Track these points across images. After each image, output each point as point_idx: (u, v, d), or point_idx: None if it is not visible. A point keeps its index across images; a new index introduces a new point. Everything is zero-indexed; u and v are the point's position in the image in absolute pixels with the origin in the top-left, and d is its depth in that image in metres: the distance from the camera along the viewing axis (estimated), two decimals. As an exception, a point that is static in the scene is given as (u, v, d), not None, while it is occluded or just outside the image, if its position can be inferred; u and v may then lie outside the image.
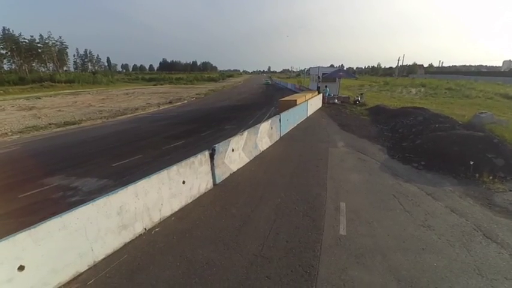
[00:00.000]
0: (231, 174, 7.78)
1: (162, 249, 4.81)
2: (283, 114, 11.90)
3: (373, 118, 16.57)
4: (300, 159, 9.45)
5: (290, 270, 4.27)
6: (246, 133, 8.39)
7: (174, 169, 5.55)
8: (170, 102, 30.29)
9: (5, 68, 78.94)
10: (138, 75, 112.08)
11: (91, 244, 4.18)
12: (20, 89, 53.22)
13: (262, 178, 7.79)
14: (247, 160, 8.65)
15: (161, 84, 69.47)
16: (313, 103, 18.98)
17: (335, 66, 51.34)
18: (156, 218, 5.34)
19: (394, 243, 4.84)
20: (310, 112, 17.78)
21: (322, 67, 28.27)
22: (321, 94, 23.12)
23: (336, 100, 23.78)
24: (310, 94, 22.35)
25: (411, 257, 4.48)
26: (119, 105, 29.81)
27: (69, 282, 4.07)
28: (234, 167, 7.87)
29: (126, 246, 4.84)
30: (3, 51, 77.27)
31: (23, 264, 3.48)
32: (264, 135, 9.82)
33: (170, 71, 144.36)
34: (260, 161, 9.23)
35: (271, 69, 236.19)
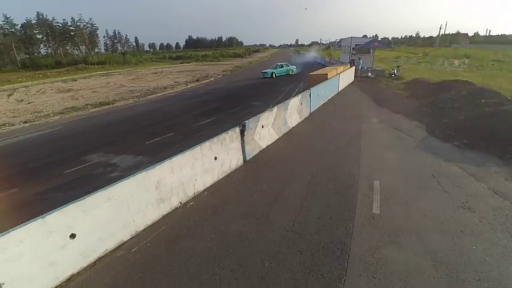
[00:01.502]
0: (260, 151, 7.87)
1: (197, 222, 5.10)
2: (314, 89, 11.58)
3: (410, 92, 15.59)
4: (331, 135, 9.28)
5: (322, 246, 4.35)
6: (275, 109, 8.34)
7: (206, 145, 5.74)
8: (197, 80, 30.65)
9: (42, 53, 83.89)
10: (165, 54, 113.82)
11: (133, 216, 4.55)
12: (57, 72, 56.66)
13: (292, 155, 7.80)
14: (276, 137, 8.67)
15: (188, 62, 70.12)
16: (345, 77, 18.20)
17: (368, 37, 47.46)
18: (190, 192, 5.64)
19: (430, 224, 4.70)
20: (341, 86, 17.12)
21: (355, 37, 26.65)
22: (354, 67, 22.03)
23: (370, 73, 22.56)
24: (342, 67, 21.39)
25: (449, 239, 4.33)
26: (148, 84, 30.78)
27: (114, 250, 4.50)
28: (264, 143, 7.94)
29: (163, 218, 5.20)
30: (39, 36, 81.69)
31: (74, 233, 3.89)
32: (293, 111, 9.70)
33: (196, 48, 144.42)
34: (290, 137, 9.21)
35: (299, 42, 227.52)
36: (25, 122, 17.97)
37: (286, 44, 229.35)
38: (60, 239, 3.75)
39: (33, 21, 79.80)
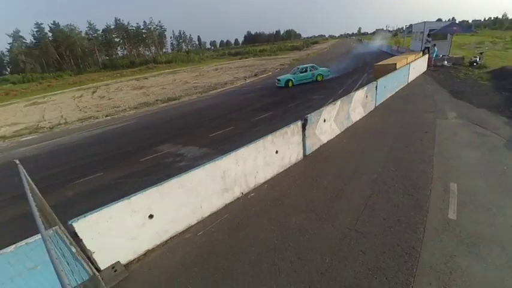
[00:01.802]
0: (321, 146, 7.76)
1: (258, 213, 5.31)
2: (380, 81, 10.85)
3: (496, 83, 13.45)
4: (400, 131, 8.62)
5: (387, 249, 4.14)
6: (339, 102, 8.09)
7: (268, 139, 5.92)
8: (255, 75, 31.28)
9: (119, 54, 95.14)
10: (225, 50, 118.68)
11: (200, 202, 4.98)
12: (131, 71, 63.72)
13: (355, 151, 7.51)
14: (338, 131, 8.42)
15: (246, 58, 71.89)
16: (417, 66, 16.57)
17: (443, 21, 41.54)
18: (252, 184, 5.89)
19: (519, 236, 4.09)
20: (412, 77, 15.65)
21: (428, 22, 23.91)
22: (426, 55, 19.87)
23: (446, 62, 20.08)
24: (413, 56, 19.53)
25: (543, 255, 3.72)
26: (210, 80, 32.55)
27: (183, 232, 4.98)
28: (325, 138, 7.80)
29: (226, 206, 5.54)
30: (117, 39, 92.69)
31: (152, 214, 4.42)
32: (357, 105, 9.28)
33: (254, 43, 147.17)
34: (352, 132, 8.85)
35: (362, 31, 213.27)
36: (107, 116, 20.73)
37: (348, 34, 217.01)
38: (141, 218, 4.31)
39: (112, 27, 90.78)
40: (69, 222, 3.55)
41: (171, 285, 4.01)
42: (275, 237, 4.63)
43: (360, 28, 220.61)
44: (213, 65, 61.76)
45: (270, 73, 32.27)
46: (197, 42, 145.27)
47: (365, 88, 9.62)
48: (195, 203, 4.91)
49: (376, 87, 10.49)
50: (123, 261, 4.33)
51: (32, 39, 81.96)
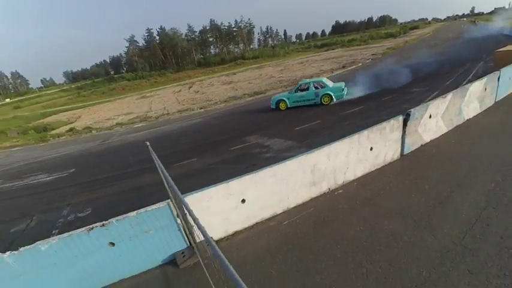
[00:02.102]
0: (422, 145, 6.91)
1: (345, 211, 5.13)
2: (505, 70, 8.92)
3: None
4: (529, 134, 7.00)
5: (503, 273, 3.46)
6: (450, 96, 7.00)
7: (364, 134, 5.63)
8: (343, 67, 29.86)
9: (212, 53, 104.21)
10: (310, 42, 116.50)
11: (288, 193, 5.13)
12: (222, 68, 69.02)
13: (466, 154, 6.44)
14: (445, 130, 7.33)
15: (332, 49, 68.99)
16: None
17: None
18: (340, 180, 5.72)
19: None
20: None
21: None
22: None
23: None
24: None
25: None
26: (294, 74, 32.60)
27: (269, 219, 5.21)
28: (428, 136, 6.92)
29: (312, 200, 5.54)
30: (211, 39, 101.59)
31: (244, 198, 4.77)
32: (472, 99, 7.85)
33: (342, 33, 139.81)
34: (463, 131, 7.57)
35: (476, 11, 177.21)
36: (201, 108, 23.03)
37: (456, 15, 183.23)
38: (235, 201, 4.71)
39: (207, 27, 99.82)
40: (184, 195, 4.16)
41: (255, 267, 4.23)
42: (363, 238, 4.41)
43: (473, 8, 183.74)
44: (298, 58, 61.53)
45: (360, 64, 30.27)
46: (283, 37, 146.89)
47: (484, 79, 8.04)
48: (283, 193, 5.08)
49: (499, 78, 8.67)
50: (215, 237, 4.83)
51: (144, 43, 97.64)
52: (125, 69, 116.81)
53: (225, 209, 4.68)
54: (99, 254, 3.88)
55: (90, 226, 3.58)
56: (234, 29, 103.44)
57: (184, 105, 27.29)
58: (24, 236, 7.15)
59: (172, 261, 4.65)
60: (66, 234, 3.53)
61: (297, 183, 5.09)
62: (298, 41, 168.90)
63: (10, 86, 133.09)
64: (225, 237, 4.93)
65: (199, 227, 1.87)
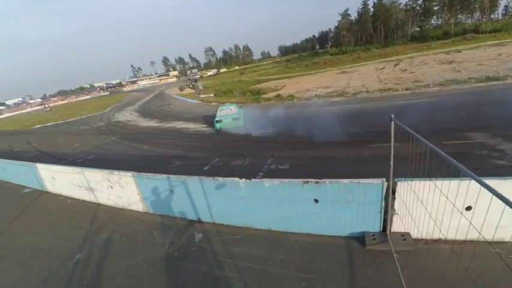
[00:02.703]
0: None
1: None
2: None
3: None
4: None
5: None
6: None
7: None
8: None
9: (433, 25, 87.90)
10: None
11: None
12: (442, 44, 57.49)
13: None
14: None
15: None
16: None
17: None
18: None
19: None
20: None
21: None
22: None
23: None
24: None
25: None
26: None
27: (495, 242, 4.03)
28: None
29: None
30: (436, 8, 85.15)
31: (470, 205, 3.88)
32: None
33: None
34: None
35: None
36: (406, 89, 20.57)
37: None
38: (459, 205, 3.89)
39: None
40: (396, 180, 3.93)
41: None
42: None
43: None
44: None
45: None
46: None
47: None
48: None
49: None
50: (413, 235, 4.32)
51: (356, 16, 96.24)
52: (330, 44, 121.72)
53: (439, 209, 4.01)
54: (303, 205, 4.43)
55: (306, 180, 4.09)
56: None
57: (386, 84, 25.33)
58: (238, 170, 9.39)
59: (359, 239, 4.66)
60: (285, 180, 4.24)
61: None
62: None
63: (240, 56, 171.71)
64: (423, 240, 4.36)
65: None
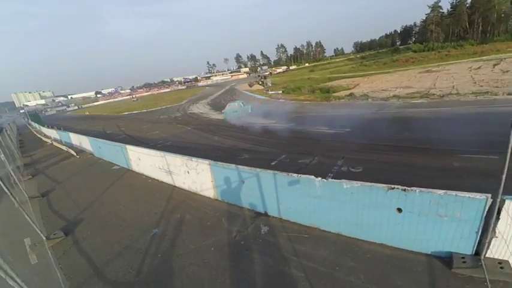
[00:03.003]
0: None
1: None
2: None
3: None
4: None
5: None
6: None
7: None
8: None
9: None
10: None
11: None
12: None
13: None
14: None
15: None
16: None
17: None
18: None
19: None
20: None
21: None
22: None
23: None
24: None
25: None
26: None
27: None
28: None
29: None
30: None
31: None
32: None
33: None
34: None
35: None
36: (508, 94, 17.53)
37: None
38: None
39: None
40: (505, 197, 3.37)
41: None
42: None
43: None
44: None
45: None
46: None
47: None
48: None
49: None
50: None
51: (448, 8, 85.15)
52: (414, 39, 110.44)
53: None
54: (382, 212, 4.10)
55: (392, 186, 3.76)
56: None
57: (482, 86, 21.90)
58: (306, 168, 9.20)
59: (444, 259, 4.16)
60: (367, 184, 3.97)
61: None
62: None
63: (311, 53, 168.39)
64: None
65: None
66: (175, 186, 8.61)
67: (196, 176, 7.37)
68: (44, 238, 6.59)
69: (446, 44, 72.23)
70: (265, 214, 6.18)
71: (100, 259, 5.79)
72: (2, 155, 10.01)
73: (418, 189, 3.66)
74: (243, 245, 5.42)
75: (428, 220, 3.84)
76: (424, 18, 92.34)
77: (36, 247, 6.43)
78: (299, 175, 4.77)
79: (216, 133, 17.59)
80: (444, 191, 3.55)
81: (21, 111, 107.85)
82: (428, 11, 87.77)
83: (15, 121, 61.38)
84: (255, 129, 17.23)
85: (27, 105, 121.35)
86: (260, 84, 59.55)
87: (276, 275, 4.53)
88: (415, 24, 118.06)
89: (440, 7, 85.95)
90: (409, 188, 3.67)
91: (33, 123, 39.25)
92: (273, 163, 10.02)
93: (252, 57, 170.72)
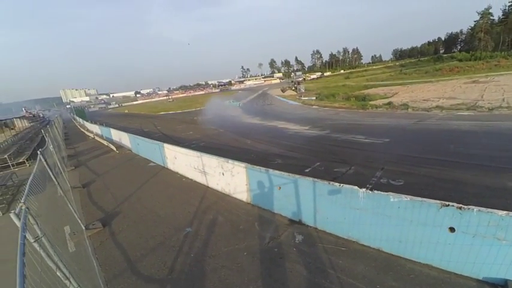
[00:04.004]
0: None
1: None
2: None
3: None
4: None
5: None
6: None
7: None
8: None
9: None
10: None
11: None
12: None
13: None
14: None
15: None
16: None
17: None
18: None
19: None
20: None
21: None
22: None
23: None
24: None
25: None
26: None
27: None
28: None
29: None
30: None
31: None
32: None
33: None
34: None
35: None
36: None
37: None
38: None
39: None
40: None
41: None
42: None
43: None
44: None
45: None
46: None
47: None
48: None
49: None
50: None
51: (500, 16, 79.28)
52: (459, 47, 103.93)
53: None
54: (432, 231, 3.78)
55: (446, 203, 3.45)
56: None
57: (539, 100, 20.06)
58: (342, 177, 8.86)
59: (497, 286, 3.73)
60: (417, 198, 3.68)
61: None
62: None
63: (347, 60, 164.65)
64: None
65: None
66: (208, 187, 8.69)
67: (230, 178, 7.37)
68: (83, 227, 6.90)
69: (496, 54, 67.13)
70: (299, 222, 6.00)
71: (134, 253, 5.94)
72: (51, 146, 10.73)
73: (476, 208, 3.31)
74: (276, 253, 5.28)
75: (484, 243, 3.46)
76: (472, 26, 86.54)
77: (75, 235, 6.73)
78: (341, 184, 4.54)
79: (248, 136, 17.65)
80: (506, 212, 3.17)
81: (67, 106, 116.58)
82: (478, 18, 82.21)
83: (61, 115, 66.28)
84: (288, 134, 17.04)
85: (73, 101, 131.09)
86: (293, 90, 59.23)
87: (311, 287, 4.33)
88: (461, 31, 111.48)
89: (491, 14, 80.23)
90: (465, 207, 3.34)
91: (77, 117, 42.11)
92: (306, 170, 9.79)
93: (286, 63, 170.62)
